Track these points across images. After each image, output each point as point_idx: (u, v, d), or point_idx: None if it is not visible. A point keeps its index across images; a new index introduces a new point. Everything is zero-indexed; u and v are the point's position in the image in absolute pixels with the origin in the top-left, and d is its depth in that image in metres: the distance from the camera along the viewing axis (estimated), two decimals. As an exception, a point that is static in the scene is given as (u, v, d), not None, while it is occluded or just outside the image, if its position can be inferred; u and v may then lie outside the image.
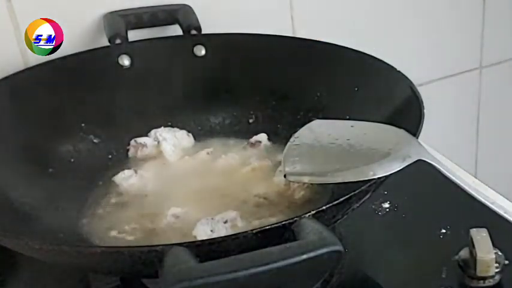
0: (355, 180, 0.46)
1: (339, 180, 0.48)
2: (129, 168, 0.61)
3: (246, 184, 0.59)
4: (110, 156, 0.64)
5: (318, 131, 0.56)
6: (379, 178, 0.47)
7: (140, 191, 0.59)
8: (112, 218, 0.57)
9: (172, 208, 0.55)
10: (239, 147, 0.65)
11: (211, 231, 0.51)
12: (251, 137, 0.66)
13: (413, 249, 0.58)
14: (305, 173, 0.50)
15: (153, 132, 0.65)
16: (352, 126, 0.56)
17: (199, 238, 0.50)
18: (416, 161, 0.48)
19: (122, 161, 0.64)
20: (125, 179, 0.60)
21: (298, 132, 0.57)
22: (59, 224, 0.55)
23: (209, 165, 0.62)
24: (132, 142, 0.64)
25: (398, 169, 0.47)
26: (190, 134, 0.66)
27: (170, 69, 0.67)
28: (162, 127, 0.65)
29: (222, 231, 0.51)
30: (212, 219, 0.52)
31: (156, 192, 0.59)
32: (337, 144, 0.53)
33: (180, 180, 0.60)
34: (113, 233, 0.55)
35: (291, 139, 0.55)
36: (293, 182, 0.53)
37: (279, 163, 0.61)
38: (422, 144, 0.51)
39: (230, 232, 0.51)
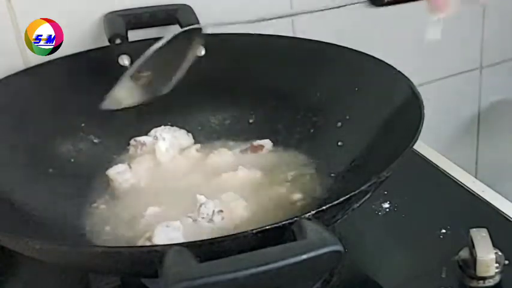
0: None
1: None
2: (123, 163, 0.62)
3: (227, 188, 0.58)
4: (110, 156, 0.64)
5: None
6: (380, 177, 0.47)
7: (134, 190, 0.60)
8: (112, 218, 0.57)
9: (150, 208, 0.55)
10: (238, 150, 0.65)
11: (169, 239, 0.51)
12: (251, 137, 0.66)
13: (413, 249, 0.58)
14: None
15: (153, 131, 0.65)
16: None
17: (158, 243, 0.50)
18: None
19: (122, 161, 0.64)
20: (120, 174, 0.60)
21: None
22: (59, 224, 0.55)
23: (202, 166, 0.62)
24: (132, 141, 0.64)
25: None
26: (190, 134, 0.66)
27: (170, 69, 0.67)
28: (162, 126, 0.65)
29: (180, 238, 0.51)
30: (167, 226, 0.52)
31: (147, 190, 0.59)
32: None
33: (170, 179, 0.61)
34: (113, 232, 0.55)
35: None
36: None
37: (270, 174, 0.61)
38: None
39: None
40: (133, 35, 0.66)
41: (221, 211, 0.53)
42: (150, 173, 0.61)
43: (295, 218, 0.41)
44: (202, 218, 0.52)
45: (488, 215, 0.62)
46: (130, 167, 0.61)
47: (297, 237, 0.39)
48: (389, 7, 0.53)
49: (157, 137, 0.64)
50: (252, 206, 0.55)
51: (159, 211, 0.55)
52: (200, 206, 0.53)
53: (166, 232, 0.51)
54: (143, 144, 0.64)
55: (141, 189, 0.60)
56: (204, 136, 0.67)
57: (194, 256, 0.37)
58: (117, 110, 0.64)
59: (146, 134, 0.65)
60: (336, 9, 0.80)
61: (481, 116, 1.01)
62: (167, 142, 0.63)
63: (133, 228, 0.55)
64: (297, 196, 0.57)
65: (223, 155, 0.63)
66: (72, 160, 0.62)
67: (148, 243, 0.50)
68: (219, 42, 0.68)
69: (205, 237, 0.41)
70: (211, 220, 0.52)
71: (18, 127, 0.59)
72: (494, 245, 0.52)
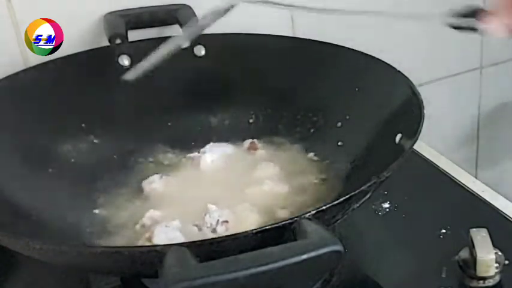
0: None
1: None
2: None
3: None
4: (110, 156, 0.64)
5: None
6: (380, 177, 0.47)
7: (155, 195, 0.59)
8: (112, 218, 0.57)
9: (151, 211, 0.55)
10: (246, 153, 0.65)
11: (169, 239, 0.51)
12: (251, 137, 0.66)
13: (413, 249, 0.58)
14: None
15: (207, 146, 0.64)
16: None
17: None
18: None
19: (122, 161, 0.64)
20: (149, 183, 0.60)
21: None
22: (59, 224, 0.55)
23: (240, 178, 0.61)
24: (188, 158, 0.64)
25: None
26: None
27: (170, 69, 0.67)
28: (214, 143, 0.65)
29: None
30: (166, 226, 0.52)
31: (167, 196, 0.59)
32: None
33: (197, 187, 0.60)
34: (113, 233, 0.55)
35: None
36: None
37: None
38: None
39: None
40: (133, 35, 0.66)
41: (226, 222, 0.52)
42: (182, 181, 0.61)
43: (295, 218, 0.41)
44: (207, 227, 0.52)
45: (488, 215, 0.62)
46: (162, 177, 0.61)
47: (297, 237, 0.39)
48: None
49: (204, 151, 0.63)
50: (264, 218, 0.55)
51: (162, 215, 0.55)
52: (205, 214, 0.53)
53: (166, 232, 0.51)
54: (193, 158, 0.63)
55: (162, 195, 0.59)
56: (203, 136, 0.67)
57: (194, 256, 0.37)
58: (117, 110, 0.65)
59: (146, 133, 0.65)
60: (336, 9, 0.81)
61: (481, 116, 1.01)
62: (215, 155, 0.63)
63: (134, 229, 0.55)
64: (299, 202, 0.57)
65: (268, 168, 0.62)
66: (72, 160, 0.62)
67: (148, 244, 0.51)
68: (219, 42, 0.68)
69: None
70: (214, 230, 0.52)
71: (19, 127, 0.59)
72: (494, 245, 0.52)
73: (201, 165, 0.62)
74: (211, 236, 0.51)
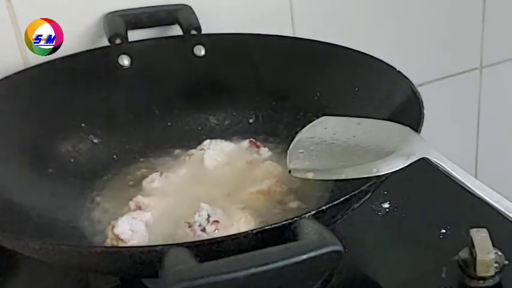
0: (358, 177, 0.47)
1: (343, 176, 0.49)
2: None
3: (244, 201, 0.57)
4: (110, 156, 0.64)
5: (324, 127, 0.58)
6: (380, 177, 0.47)
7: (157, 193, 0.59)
8: (111, 217, 0.57)
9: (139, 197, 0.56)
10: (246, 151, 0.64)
11: (131, 230, 0.52)
12: (251, 137, 0.65)
13: (413, 249, 0.58)
14: (309, 169, 0.51)
15: (206, 142, 0.64)
16: (358, 124, 0.57)
17: (120, 235, 0.51)
18: (420, 158, 0.49)
19: (123, 160, 0.64)
20: (149, 182, 0.60)
21: (305, 128, 0.58)
22: (59, 224, 0.55)
23: (240, 177, 0.61)
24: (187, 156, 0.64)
25: (402, 166, 0.48)
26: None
27: (170, 69, 0.67)
28: (211, 140, 0.65)
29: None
30: (133, 218, 0.53)
31: (166, 196, 0.58)
32: (342, 141, 0.54)
33: (198, 187, 0.60)
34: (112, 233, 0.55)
35: (297, 136, 0.57)
36: (297, 177, 0.53)
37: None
38: (427, 142, 0.51)
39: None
40: (134, 35, 0.66)
41: (216, 221, 0.52)
42: (182, 179, 0.61)
43: (295, 218, 0.41)
44: (199, 226, 0.52)
45: (488, 215, 0.62)
46: (161, 175, 0.61)
47: (297, 237, 0.39)
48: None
49: (203, 149, 0.63)
50: (258, 219, 0.54)
51: (149, 203, 0.55)
52: (195, 213, 0.52)
53: (131, 223, 0.52)
54: (193, 156, 0.63)
55: (162, 193, 0.59)
56: (204, 136, 0.67)
57: (194, 256, 0.37)
58: (117, 110, 0.65)
59: (145, 133, 0.65)
60: (336, 9, 0.81)
61: (481, 116, 1.01)
62: (215, 154, 0.63)
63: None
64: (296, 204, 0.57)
65: (269, 167, 0.61)
66: (72, 160, 0.62)
67: (110, 233, 0.51)
68: (219, 42, 0.68)
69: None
70: (204, 229, 0.52)
71: (18, 127, 0.59)
72: (494, 245, 0.52)
73: (201, 164, 0.62)
74: (200, 234, 0.51)
